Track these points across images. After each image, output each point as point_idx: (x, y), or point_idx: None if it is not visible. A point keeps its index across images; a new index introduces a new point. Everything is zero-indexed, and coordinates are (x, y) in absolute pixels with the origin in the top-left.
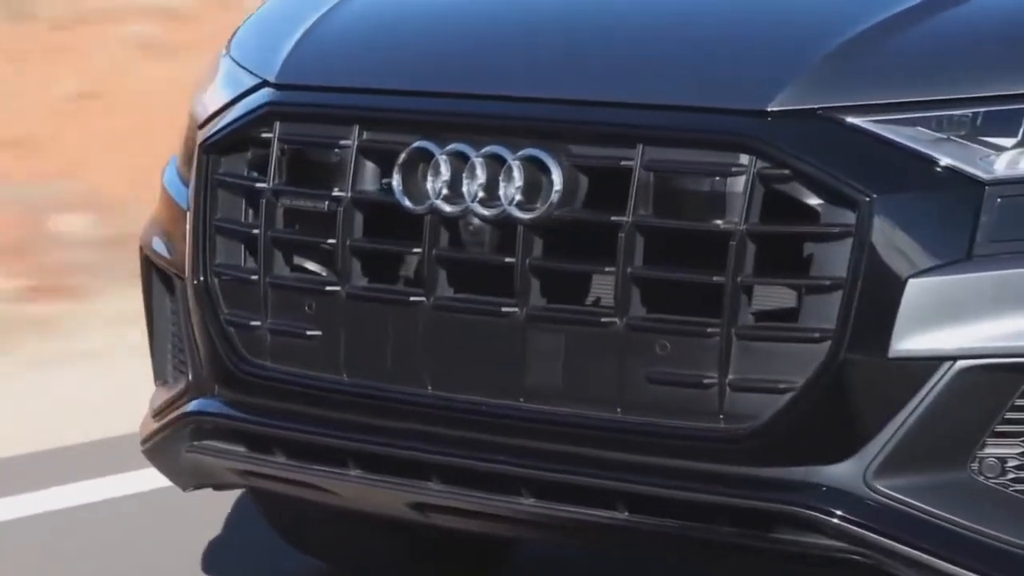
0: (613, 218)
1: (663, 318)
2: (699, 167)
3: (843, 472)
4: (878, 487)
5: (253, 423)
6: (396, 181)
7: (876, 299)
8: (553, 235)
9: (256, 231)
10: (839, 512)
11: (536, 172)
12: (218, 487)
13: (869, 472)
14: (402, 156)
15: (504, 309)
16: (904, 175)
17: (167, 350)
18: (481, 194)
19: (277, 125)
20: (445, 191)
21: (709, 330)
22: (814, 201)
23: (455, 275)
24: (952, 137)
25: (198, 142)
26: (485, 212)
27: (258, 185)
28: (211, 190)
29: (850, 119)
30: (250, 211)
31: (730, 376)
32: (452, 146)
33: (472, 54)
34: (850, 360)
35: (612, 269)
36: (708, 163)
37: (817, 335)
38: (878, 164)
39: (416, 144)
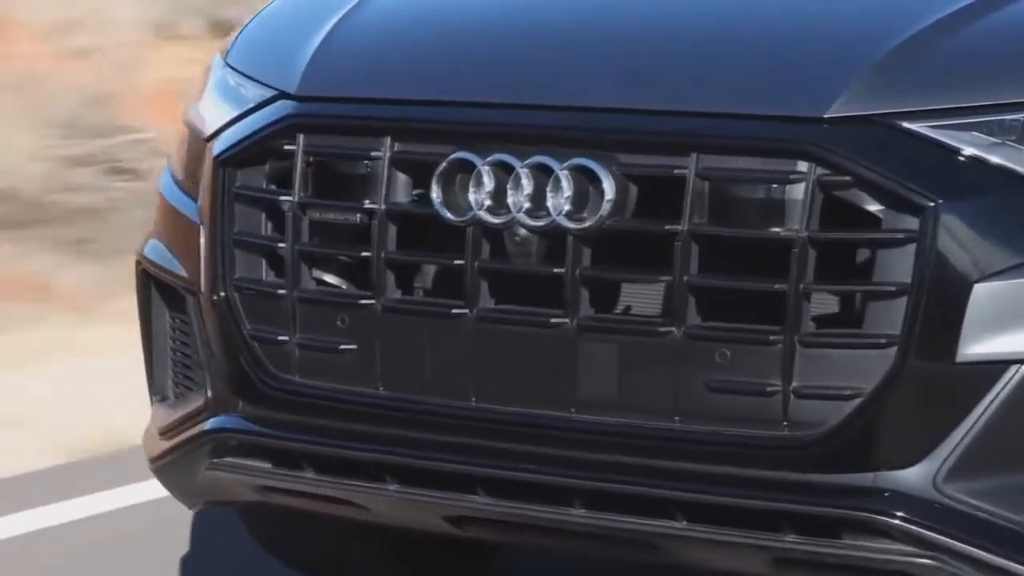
0: (668, 227)
1: (723, 326)
2: (756, 175)
3: (912, 476)
4: (947, 491)
5: (281, 439)
6: (435, 192)
7: (942, 304)
8: (603, 245)
9: (281, 244)
10: (909, 516)
11: (586, 182)
12: (229, 505)
13: (939, 476)
14: (441, 167)
15: (553, 320)
16: (965, 180)
17: (167, 366)
18: (527, 205)
19: (301, 138)
20: (488, 202)
21: (772, 338)
22: (876, 207)
23: (498, 286)
24: (1006, 142)
25: (212, 155)
26: (532, 223)
27: (283, 198)
28: (228, 204)
29: (908, 124)
30: (271, 224)
31: (794, 383)
32: (495, 156)
33: (510, 62)
34: (918, 365)
35: (667, 278)
36: (765, 171)
37: (884, 341)
38: (939, 169)
39: (456, 155)
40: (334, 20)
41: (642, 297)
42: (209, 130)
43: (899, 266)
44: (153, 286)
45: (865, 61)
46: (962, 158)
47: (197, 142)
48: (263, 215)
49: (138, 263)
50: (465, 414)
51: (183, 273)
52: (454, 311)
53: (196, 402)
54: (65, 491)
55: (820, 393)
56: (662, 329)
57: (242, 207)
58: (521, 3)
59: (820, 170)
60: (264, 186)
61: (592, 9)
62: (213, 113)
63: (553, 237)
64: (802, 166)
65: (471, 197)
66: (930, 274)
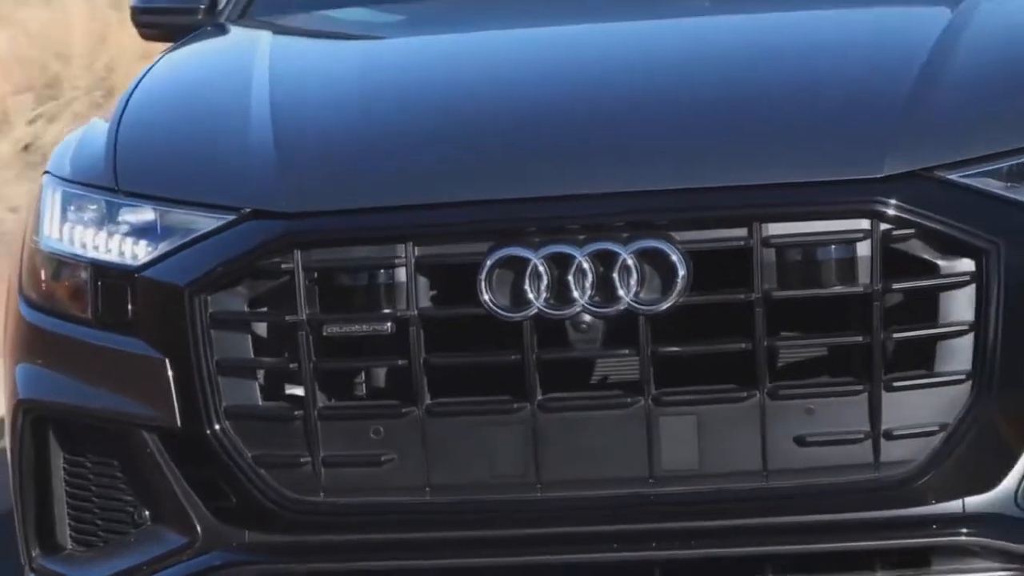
0: (743, 296)
1: (809, 383)
2: (819, 237)
3: (996, 497)
4: None
5: (308, 562)
6: (484, 291)
7: (1012, 339)
8: (675, 321)
9: (293, 365)
10: (997, 533)
11: (652, 263)
12: None
13: (1020, 493)
14: (487, 265)
15: (629, 400)
16: (1013, 221)
17: (64, 515)
18: (590, 292)
19: (298, 254)
20: (546, 294)
21: (859, 387)
22: (938, 254)
23: (555, 375)
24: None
25: (164, 284)
26: (601, 310)
27: (287, 318)
28: (204, 331)
29: (950, 175)
30: (256, 346)
31: (884, 426)
32: (549, 249)
33: (531, 150)
34: (996, 396)
35: (746, 345)
36: (828, 232)
37: (963, 377)
38: (988, 214)
39: (503, 252)
40: (261, 122)
41: (715, 366)
42: (133, 262)
43: (965, 306)
44: (51, 431)
45: (901, 120)
46: (1001, 202)
47: (115, 276)
48: (249, 338)
49: (26, 410)
50: (531, 506)
51: (132, 410)
52: (515, 406)
53: (159, 545)
54: None
55: (909, 433)
56: (745, 394)
57: (222, 333)
58: (492, 83)
59: (884, 225)
60: (245, 308)
61: (588, 87)
62: (121, 245)
63: (622, 321)
64: (864, 224)
65: (528, 292)
66: (997, 311)
